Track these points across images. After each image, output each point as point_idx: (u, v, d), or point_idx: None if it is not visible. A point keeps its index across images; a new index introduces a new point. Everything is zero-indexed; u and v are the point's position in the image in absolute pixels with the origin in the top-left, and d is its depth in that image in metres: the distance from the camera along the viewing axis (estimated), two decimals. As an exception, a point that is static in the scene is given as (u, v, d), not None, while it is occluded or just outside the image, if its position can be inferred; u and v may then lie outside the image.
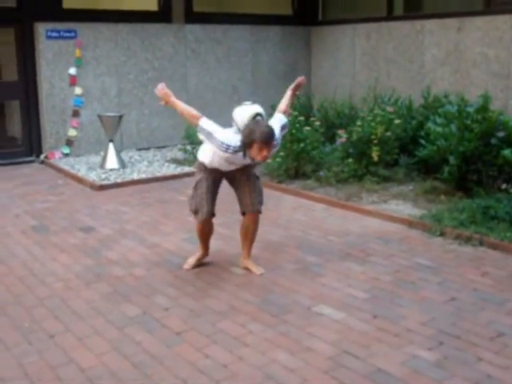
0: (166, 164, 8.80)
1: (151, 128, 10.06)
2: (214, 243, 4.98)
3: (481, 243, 5.22)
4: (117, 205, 6.82)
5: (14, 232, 5.88)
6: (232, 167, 4.51)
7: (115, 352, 3.54)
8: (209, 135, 4.25)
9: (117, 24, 9.55)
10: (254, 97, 9.80)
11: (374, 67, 10.51)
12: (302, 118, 7.74)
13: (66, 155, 9.32)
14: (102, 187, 7.55)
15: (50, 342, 3.68)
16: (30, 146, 9.35)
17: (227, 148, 4.20)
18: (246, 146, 4.15)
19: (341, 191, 6.90)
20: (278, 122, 4.50)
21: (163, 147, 10.11)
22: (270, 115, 4.70)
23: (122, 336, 3.73)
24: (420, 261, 4.91)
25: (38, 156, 9.30)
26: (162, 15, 10.02)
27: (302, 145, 7.38)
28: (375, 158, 7.19)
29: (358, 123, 7.44)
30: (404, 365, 3.33)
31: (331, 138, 8.08)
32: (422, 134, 7.05)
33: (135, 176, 8.07)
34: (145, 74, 9.90)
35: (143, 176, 8.08)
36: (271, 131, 4.17)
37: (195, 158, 4.87)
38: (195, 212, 4.62)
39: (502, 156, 6.07)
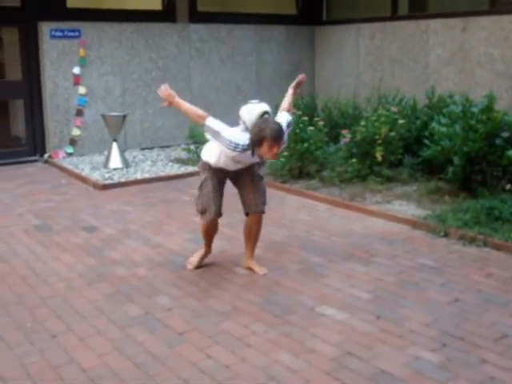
0: (170, 164, 8.79)
1: (155, 127, 10.06)
2: (217, 243, 4.97)
3: (485, 244, 5.19)
4: (120, 204, 6.81)
5: (16, 231, 5.88)
6: (238, 166, 4.49)
7: (117, 352, 3.53)
8: (216, 134, 4.22)
9: (121, 23, 9.54)
10: (259, 96, 9.76)
11: (379, 67, 10.49)
12: (305, 118, 7.73)
13: (70, 155, 9.31)
14: (106, 187, 7.54)
15: (51, 341, 3.67)
16: (34, 146, 9.35)
17: (236, 147, 4.17)
18: (255, 144, 4.13)
19: (344, 191, 6.88)
20: (284, 119, 4.49)
21: (167, 147, 10.10)
22: (274, 114, 4.68)
23: (124, 336, 3.72)
24: (424, 261, 4.89)
25: (41, 155, 9.30)
26: (166, 14, 10.02)
27: (305, 145, 7.37)
28: (379, 158, 7.17)
29: (362, 123, 7.42)
30: (407, 366, 3.31)
31: (335, 138, 8.07)
32: (427, 134, 7.03)
33: (139, 175, 8.06)
34: (149, 73, 9.89)
35: (147, 176, 8.07)
36: (281, 128, 4.18)
37: (199, 157, 4.86)
38: (203, 212, 4.57)
39: (506, 156, 6.05)
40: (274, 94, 10.14)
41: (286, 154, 7.36)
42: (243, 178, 4.63)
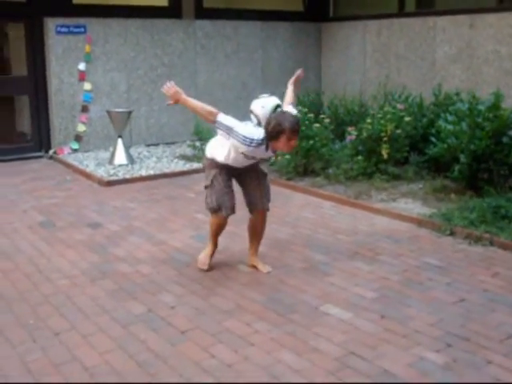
0: (175, 160, 8.77)
1: (160, 124, 10.04)
2: (220, 241, 4.92)
3: (491, 243, 5.15)
4: (124, 201, 6.79)
5: (20, 227, 5.87)
6: (246, 163, 4.45)
7: (119, 350, 3.51)
8: (229, 130, 4.15)
9: (126, 19, 9.52)
10: (264, 93, 9.75)
11: (385, 64, 10.44)
12: (311, 115, 7.69)
13: (75, 151, 9.31)
14: (110, 183, 7.53)
15: (54, 339, 3.65)
16: (39, 142, 9.35)
17: (251, 142, 4.13)
18: (272, 137, 4.10)
19: (350, 189, 6.84)
20: (293, 113, 4.46)
21: (172, 143, 10.08)
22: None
23: (126, 334, 3.70)
24: (429, 260, 4.86)
25: (46, 151, 9.30)
26: (171, 11, 9.99)
27: (311, 142, 7.33)
28: (385, 155, 7.13)
29: (368, 120, 7.39)
30: (411, 367, 3.28)
31: (341, 136, 8.04)
32: (433, 131, 6.99)
33: (144, 172, 8.04)
34: (154, 69, 9.87)
35: (151, 172, 8.05)
36: (298, 120, 4.20)
37: (204, 154, 4.80)
38: (217, 209, 4.48)
39: (513, 155, 6.01)
40: (279, 90, 10.03)
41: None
42: (248, 175, 4.60)
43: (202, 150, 8.22)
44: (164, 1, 10.00)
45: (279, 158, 7.57)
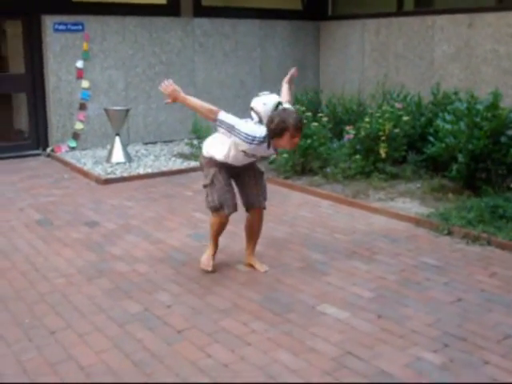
0: (173, 158, 8.75)
1: (158, 122, 10.02)
2: (220, 240, 4.89)
3: (489, 243, 5.15)
4: (122, 199, 6.78)
5: (17, 226, 5.85)
6: (246, 161, 4.44)
7: (115, 349, 3.50)
8: (231, 128, 4.12)
9: (124, 17, 9.50)
10: (262, 91, 9.76)
11: (384, 63, 10.43)
12: (309, 114, 7.68)
13: (73, 149, 9.29)
14: (108, 181, 7.51)
15: (50, 338, 3.64)
16: (37, 139, 9.33)
17: (253, 139, 4.11)
18: (276, 134, 4.08)
19: (348, 188, 6.83)
20: None
21: (170, 141, 10.07)
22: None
23: (122, 333, 3.69)
24: (426, 260, 4.85)
25: (44, 149, 9.28)
26: (170, 8, 9.96)
27: (309, 141, 7.32)
28: (383, 154, 7.12)
29: (366, 119, 7.38)
30: (408, 367, 3.27)
31: (339, 134, 8.02)
32: (431, 131, 6.98)
33: (141, 170, 8.03)
34: (152, 67, 9.85)
35: (149, 170, 8.04)
36: (302, 118, 4.16)
37: (201, 152, 4.77)
38: (219, 208, 4.43)
39: (511, 154, 5.99)
40: (278, 89, 10.03)
41: (288, 149, 7.31)
42: (246, 173, 4.58)
43: (200, 149, 8.16)
44: (162, -2, 9.99)
45: (278, 156, 7.56)
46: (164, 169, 8.14)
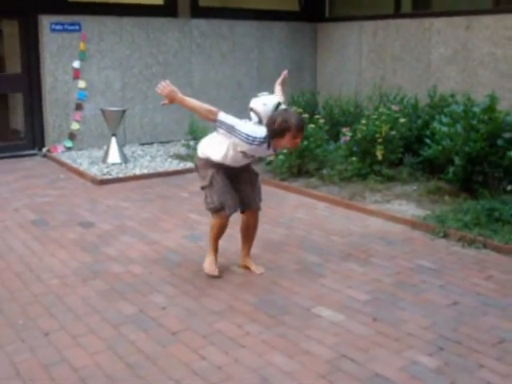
0: (169, 159, 8.73)
1: (155, 123, 10.00)
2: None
3: (484, 246, 5.14)
4: (118, 200, 6.76)
5: (12, 226, 5.83)
6: (243, 162, 4.42)
7: (109, 351, 3.48)
8: (231, 129, 4.08)
9: (121, 17, 9.48)
10: (260, 93, 9.75)
11: (381, 65, 10.42)
12: (306, 116, 7.67)
13: (69, 149, 9.26)
14: (103, 182, 7.49)
15: (43, 339, 3.62)
16: (33, 139, 9.30)
17: (253, 140, 4.08)
18: (277, 135, 4.08)
19: (344, 190, 6.82)
20: None
21: (167, 142, 10.04)
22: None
23: (116, 335, 3.67)
24: (422, 263, 4.84)
25: (40, 149, 9.25)
26: (167, 9, 9.95)
27: (305, 142, 7.30)
28: (379, 156, 7.11)
29: (363, 121, 7.36)
30: (403, 370, 3.26)
31: (335, 136, 8.01)
32: (428, 133, 6.97)
33: (137, 171, 8.01)
34: (149, 68, 9.83)
35: (145, 171, 8.02)
36: (303, 118, 4.14)
37: (196, 154, 4.74)
38: (220, 209, 4.37)
39: (508, 157, 5.99)
40: (272, 90, 10.08)
41: (285, 151, 7.30)
42: (242, 175, 4.56)
43: (196, 150, 8.18)
44: (160, -1, 9.97)
45: (274, 158, 7.55)
46: (160, 170, 8.12)
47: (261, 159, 4.63)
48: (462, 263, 4.83)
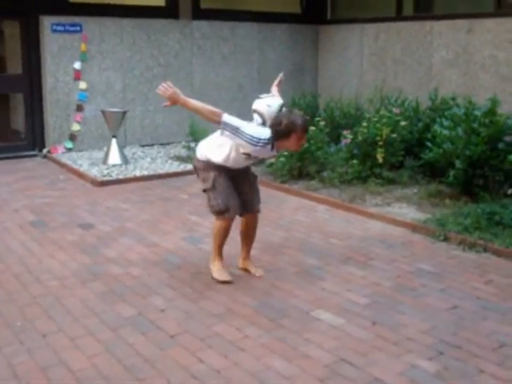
0: (169, 161, 8.72)
1: (155, 124, 9.99)
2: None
3: (485, 249, 5.12)
4: (117, 201, 6.74)
5: (12, 227, 5.81)
6: (245, 164, 4.42)
7: (107, 354, 3.46)
8: (236, 130, 4.04)
9: (123, 19, 9.47)
10: (261, 94, 9.74)
11: (382, 68, 10.41)
12: (307, 118, 7.64)
13: (69, 150, 9.25)
14: (103, 183, 7.48)
15: (41, 341, 3.60)
16: (33, 140, 9.29)
17: (258, 141, 4.06)
18: (282, 136, 4.08)
19: (344, 193, 6.80)
20: None
21: (167, 144, 10.03)
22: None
23: (115, 337, 3.66)
24: (422, 266, 4.82)
25: (40, 150, 9.24)
26: (168, 11, 9.94)
27: (306, 145, 7.28)
28: (380, 159, 7.09)
29: (364, 124, 7.35)
30: (402, 375, 3.24)
31: (336, 139, 7.99)
32: (429, 136, 6.95)
33: (137, 172, 8.00)
34: (150, 69, 9.82)
35: (145, 173, 8.00)
36: (307, 119, 4.18)
37: (195, 156, 4.72)
38: (224, 211, 4.33)
39: (508, 161, 5.97)
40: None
41: (286, 153, 7.29)
42: (241, 177, 4.54)
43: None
44: (161, 1, 9.95)
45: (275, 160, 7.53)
46: (160, 171, 8.11)
47: (262, 161, 4.61)
48: (462, 267, 4.82)
